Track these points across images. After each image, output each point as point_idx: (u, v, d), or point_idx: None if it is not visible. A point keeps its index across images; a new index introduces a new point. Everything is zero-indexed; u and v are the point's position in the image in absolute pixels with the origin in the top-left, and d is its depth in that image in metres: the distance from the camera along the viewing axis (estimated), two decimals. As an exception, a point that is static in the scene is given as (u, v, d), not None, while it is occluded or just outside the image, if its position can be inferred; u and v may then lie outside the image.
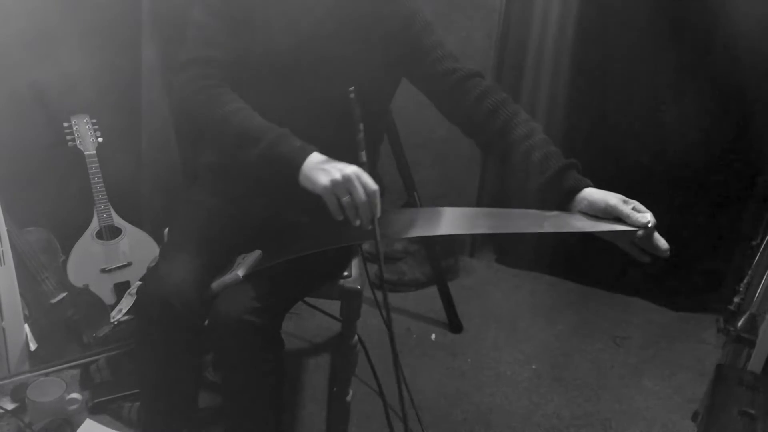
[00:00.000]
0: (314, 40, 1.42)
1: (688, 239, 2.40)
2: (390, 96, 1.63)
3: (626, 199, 1.34)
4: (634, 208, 1.32)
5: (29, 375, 1.76)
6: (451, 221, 1.47)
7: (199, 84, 1.39)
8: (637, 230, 1.29)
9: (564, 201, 1.39)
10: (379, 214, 1.28)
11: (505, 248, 2.74)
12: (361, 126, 1.36)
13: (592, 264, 2.55)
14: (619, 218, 1.32)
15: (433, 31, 1.52)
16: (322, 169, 1.27)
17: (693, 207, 2.43)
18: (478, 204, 2.69)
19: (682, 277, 2.51)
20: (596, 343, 2.35)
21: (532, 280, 2.63)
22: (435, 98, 1.53)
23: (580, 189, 1.37)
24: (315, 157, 1.29)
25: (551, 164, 1.39)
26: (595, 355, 2.29)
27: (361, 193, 1.25)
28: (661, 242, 1.31)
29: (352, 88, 1.36)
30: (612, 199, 1.34)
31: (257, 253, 1.47)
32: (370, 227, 1.28)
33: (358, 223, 1.28)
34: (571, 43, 2.39)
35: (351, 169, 1.26)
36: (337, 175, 1.25)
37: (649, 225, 1.29)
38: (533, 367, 2.21)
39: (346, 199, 1.25)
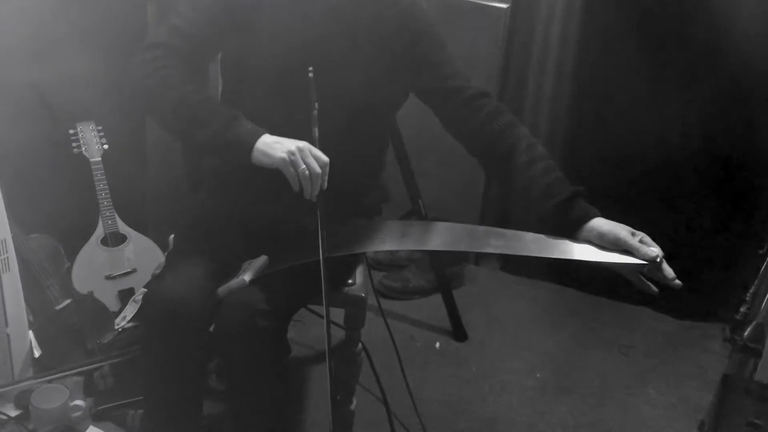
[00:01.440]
0: (318, 50, 1.43)
1: (694, 247, 2.39)
2: (396, 108, 1.63)
3: (634, 231, 1.35)
4: (641, 241, 1.33)
5: (33, 381, 1.75)
6: (461, 238, 1.49)
7: (158, 64, 1.43)
8: (645, 264, 1.30)
9: (571, 229, 1.39)
10: (325, 186, 1.37)
11: (510, 256, 2.73)
12: (316, 105, 1.39)
13: (597, 272, 2.53)
14: (627, 251, 1.33)
15: (443, 47, 1.52)
16: (278, 143, 1.36)
17: (699, 215, 2.42)
18: (483, 214, 2.68)
19: (687, 285, 2.49)
20: (601, 352, 2.34)
21: (536, 288, 2.63)
22: (441, 116, 1.53)
23: (588, 219, 1.38)
24: (267, 137, 1.38)
25: (558, 191, 1.40)
26: (599, 364, 2.28)
27: (314, 164, 1.34)
28: (669, 272, 1.32)
29: (310, 68, 1.38)
30: (621, 231, 1.35)
31: (263, 258, 1.47)
32: (315, 200, 1.37)
33: (312, 195, 1.36)
34: (575, 49, 2.39)
35: (303, 143, 1.36)
36: (293, 147, 1.35)
37: (658, 259, 1.30)
38: (537, 375, 2.21)
39: (302, 169, 1.33)
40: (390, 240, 1.52)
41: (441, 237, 1.49)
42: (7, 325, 1.76)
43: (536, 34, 2.41)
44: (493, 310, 2.52)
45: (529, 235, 1.42)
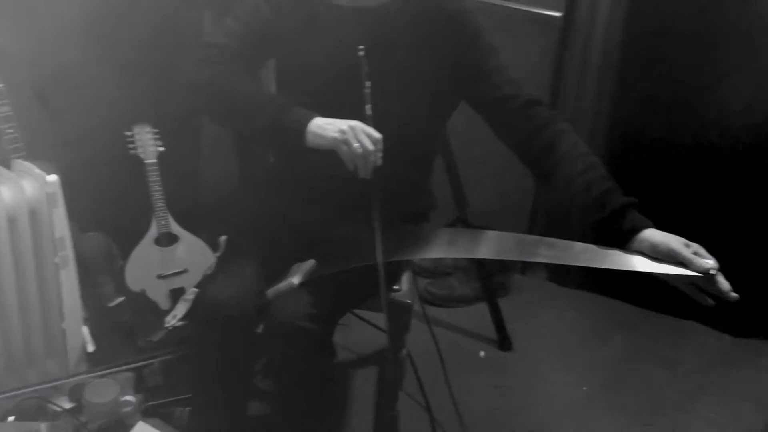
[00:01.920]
0: (369, 58, 1.43)
1: (750, 260, 2.32)
2: (446, 116, 1.63)
3: (688, 242, 1.33)
4: (696, 253, 1.31)
5: (86, 376, 1.80)
6: (510, 247, 1.48)
7: (212, 60, 1.48)
8: (699, 276, 1.28)
9: (622, 240, 1.37)
10: (379, 163, 1.37)
11: (557, 267, 2.70)
12: (368, 83, 1.40)
13: (647, 285, 2.49)
14: (680, 262, 1.31)
15: (495, 54, 1.51)
16: (330, 123, 1.39)
17: (756, 227, 2.35)
18: (531, 223, 2.66)
19: (741, 300, 2.43)
20: (650, 367, 2.29)
21: (584, 300, 2.59)
22: (493, 124, 1.52)
23: (640, 229, 1.36)
24: (319, 119, 1.41)
25: (610, 201, 1.38)
26: (648, 380, 2.23)
27: (366, 141, 1.35)
28: (724, 285, 1.29)
29: (361, 47, 1.40)
30: (674, 242, 1.32)
31: (311, 262, 1.49)
32: (369, 177, 1.38)
33: (366, 172, 1.37)
34: (629, 57, 2.36)
35: (355, 122, 1.38)
36: (344, 126, 1.37)
37: (711, 272, 1.27)
38: (584, 389, 2.17)
39: (356, 146, 1.34)
40: (438, 247, 1.52)
41: (490, 245, 1.49)
42: (63, 320, 1.82)
43: (590, 42, 2.39)
44: (539, 320, 2.49)
45: (580, 245, 1.41)
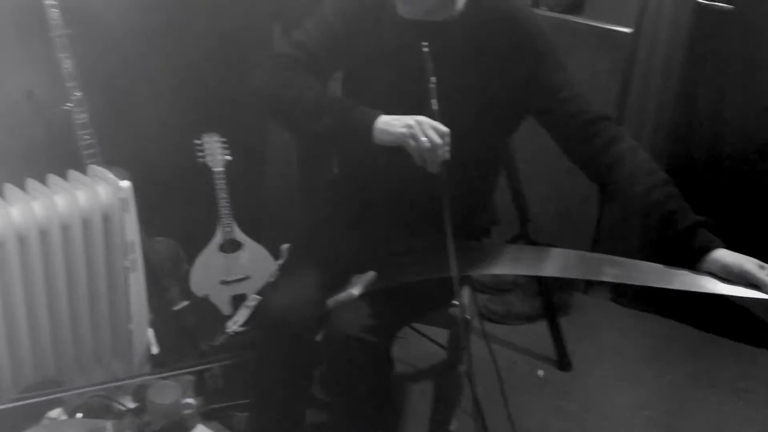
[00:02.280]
0: (437, 73, 1.43)
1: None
2: (512, 129, 1.62)
3: (763, 264, 1.28)
4: None
5: (151, 377, 1.85)
6: (575, 264, 1.46)
7: (280, 68, 1.52)
8: None
9: (692, 260, 1.33)
10: (447, 157, 1.37)
11: (622, 287, 2.64)
12: (433, 78, 1.40)
13: (716, 310, 2.41)
14: (753, 284, 1.26)
15: (563, 69, 1.49)
16: (396, 119, 1.40)
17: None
18: (595, 241, 2.61)
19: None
20: (716, 395, 2.21)
21: (649, 322, 2.52)
22: (559, 139, 1.50)
23: (711, 249, 1.32)
24: (385, 117, 1.42)
25: (681, 220, 1.34)
26: (714, 408, 2.16)
27: (434, 134, 1.36)
28: None
29: (425, 43, 1.41)
30: (747, 264, 1.28)
31: (372, 273, 1.50)
32: (437, 171, 1.37)
33: (435, 166, 1.36)
34: (697, 74, 2.30)
35: (421, 117, 1.38)
36: (411, 121, 1.38)
37: None
38: (646, 413, 2.11)
39: (423, 140, 1.34)
40: (501, 263, 1.51)
41: (554, 263, 1.47)
42: (130, 321, 1.87)
43: (658, 59, 2.34)
44: (602, 341, 2.43)
45: (647, 265, 1.37)
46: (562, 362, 2.29)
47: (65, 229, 1.70)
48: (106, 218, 1.77)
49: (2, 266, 1.63)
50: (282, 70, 1.52)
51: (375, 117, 1.42)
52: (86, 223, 1.74)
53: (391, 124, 1.40)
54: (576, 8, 2.41)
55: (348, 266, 1.54)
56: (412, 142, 1.37)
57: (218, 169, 2.15)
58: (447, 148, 1.37)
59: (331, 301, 1.47)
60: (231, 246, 2.21)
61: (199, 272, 2.19)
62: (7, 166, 1.80)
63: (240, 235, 2.22)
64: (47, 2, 1.75)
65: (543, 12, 2.40)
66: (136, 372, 1.90)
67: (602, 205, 2.58)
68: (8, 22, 1.82)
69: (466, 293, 1.67)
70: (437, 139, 1.36)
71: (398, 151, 1.40)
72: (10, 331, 1.68)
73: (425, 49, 1.41)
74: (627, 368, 2.30)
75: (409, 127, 1.37)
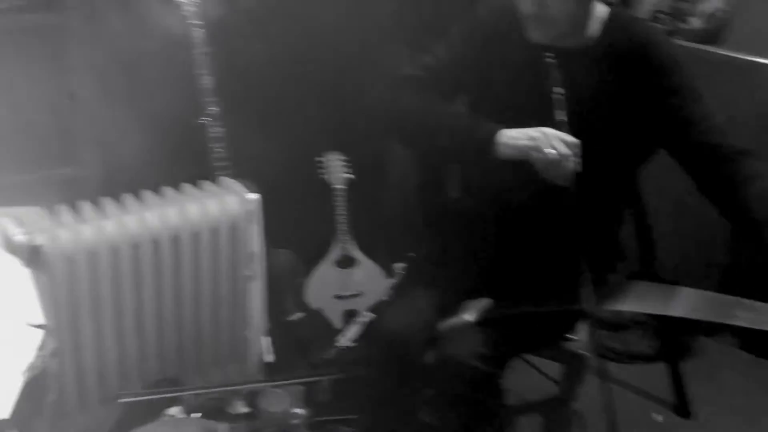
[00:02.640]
0: (567, 111, 1.41)
1: None
2: (642, 161, 1.56)
3: None
4: None
5: (264, 384, 1.90)
6: (704, 306, 1.38)
7: (406, 90, 1.54)
8: None
9: None
10: (579, 169, 1.33)
11: (752, 334, 2.47)
12: (561, 90, 1.37)
13: None
14: None
15: (700, 100, 1.43)
16: (521, 132, 1.38)
17: None
18: (722, 283, 2.46)
19: None
20: None
21: (780, 374, 2.35)
22: (693, 173, 1.43)
23: None
24: (508, 130, 1.39)
25: None
26: None
27: (560, 145, 1.32)
28: None
29: (549, 54, 1.39)
30: None
31: (487, 300, 1.48)
32: (566, 183, 1.33)
33: (563, 178, 1.32)
34: None
35: (547, 128, 1.35)
36: (535, 133, 1.35)
37: None
38: (772, 471, 1.96)
39: (549, 151, 1.30)
40: (626, 299, 1.45)
41: (682, 303, 1.39)
42: (248, 328, 1.94)
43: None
44: (725, 389, 2.28)
45: None
46: (681, 408, 2.17)
47: (195, 235, 1.79)
48: (233, 228, 1.84)
49: (136, 268, 1.73)
50: (409, 91, 1.54)
51: (496, 131, 1.41)
52: (214, 232, 1.82)
53: (514, 137, 1.38)
54: (713, 38, 2.35)
55: (463, 291, 1.53)
56: (536, 154, 1.34)
57: (339, 186, 2.20)
58: (577, 159, 1.33)
59: (444, 326, 1.47)
60: (347, 262, 2.25)
61: (314, 285, 2.24)
62: (145, 174, 1.92)
63: (356, 252, 2.26)
64: (191, 22, 1.87)
65: (680, 41, 2.32)
66: (250, 378, 1.96)
67: (734, 244, 2.44)
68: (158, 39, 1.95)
69: (584, 328, 1.62)
70: (564, 150, 1.32)
71: (522, 169, 1.37)
72: (139, 328, 1.78)
73: (550, 60, 1.38)
74: (753, 421, 2.15)
75: (533, 138, 1.35)
